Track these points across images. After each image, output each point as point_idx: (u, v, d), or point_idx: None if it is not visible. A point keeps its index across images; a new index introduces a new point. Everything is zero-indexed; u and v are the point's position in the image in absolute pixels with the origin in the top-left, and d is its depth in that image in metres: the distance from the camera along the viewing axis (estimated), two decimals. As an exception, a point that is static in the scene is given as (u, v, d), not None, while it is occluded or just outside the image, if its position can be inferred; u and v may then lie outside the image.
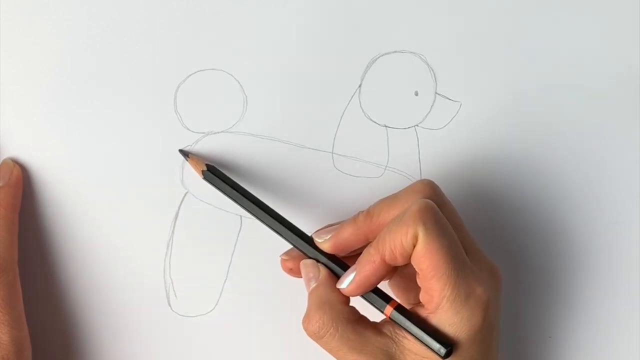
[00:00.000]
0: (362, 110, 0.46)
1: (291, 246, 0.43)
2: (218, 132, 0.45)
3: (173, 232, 0.46)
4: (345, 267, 0.42)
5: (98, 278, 0.46)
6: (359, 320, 0.41)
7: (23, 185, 0.44)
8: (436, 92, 0.46)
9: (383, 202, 0.42)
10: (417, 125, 0.46)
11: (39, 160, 0.45)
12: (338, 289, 0.41)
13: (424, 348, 0.39)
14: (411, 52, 0.46)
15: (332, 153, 0.46)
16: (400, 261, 0.40)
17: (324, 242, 0.42)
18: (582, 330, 0.48)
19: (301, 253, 0.43)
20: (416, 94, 0.46)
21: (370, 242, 0.41)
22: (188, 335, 0.46)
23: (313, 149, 0.46)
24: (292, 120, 0.46)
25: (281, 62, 0.45)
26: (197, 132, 0.45)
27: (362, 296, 0.41)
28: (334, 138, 0.46)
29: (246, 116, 0.45)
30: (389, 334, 0.40)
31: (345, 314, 0.41)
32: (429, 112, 0.46)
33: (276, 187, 0.46)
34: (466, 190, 0.46)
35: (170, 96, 0.45)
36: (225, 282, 0.46)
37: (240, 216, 0.46)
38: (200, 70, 0.45)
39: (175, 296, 0.46)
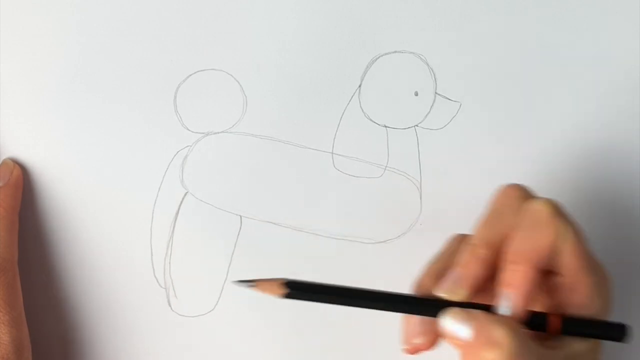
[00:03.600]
0: (362, 110, 0.46)
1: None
2: (218, 132, 0.45)
3: (173, 232, 0.46)
4: (478, 306, 0.38)
5: (98, 278, 0.46)
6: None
7: (23, 185, 0.44)
8: (436, 92, 0.46)
9: (488, 225, 0.39)
10: (417, 125, 0.46)
11: (39, 160, 0.45)
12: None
13: (595, 343, 0.39)
14: (411, 52, 0.46)
15: (332, 153, 0.46)
16: (549, 265, 0.38)
17: (459, 292, 0.38)
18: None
19: (421, 322, 0.39)
20: (416, 94, 0.46)
21: (500, 266, 0.38)
22: (188, 335, 0.46)
23: (313, 149, 0.46)
24: (292, 120, 0.46)
25: (281, 62, 0.45)
26: (197, 132, 0.45)
27: (527, 326, 0.38)
28: (334, 138, 0.46)
29: (246, 116, 0.45)
30: (559, 344, 0.38)
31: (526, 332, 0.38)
32: (429, 112, 0.46)
33: (276, 187, 0.46)
34: (466, 190, 0.46)
35: (170, 96, 0.45)
36: (225, 282, 0.46)
37: (240, 216, 0.46)
38: (200, 70, 0.45)
39: (175, 296, 0.46)
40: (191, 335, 0.47)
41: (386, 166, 0.46)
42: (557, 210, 0.38)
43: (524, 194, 0.40)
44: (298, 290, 0.38)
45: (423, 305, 0.38)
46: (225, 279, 0.46)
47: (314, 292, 0.38)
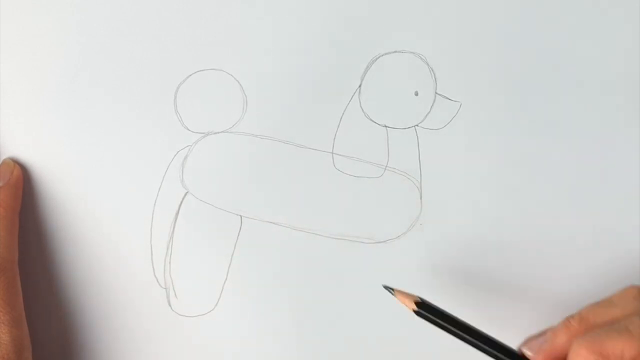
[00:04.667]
0: (362, 110, 0.46)
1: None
2: (218, 132, 0.45)
3: (173, 232, 0.46)
4: None
5: (98, 278, 0.46)
6: None
7: (23, 185, 0.44)
8: (436, 92, 0.46)
9: (596, 306, 0.41)
10: (417, 125, 0.46)
11: (39, 160, 0.45)
12: None
13: None
14: (411, 52, 0.45)
15: (332, 153, 0.46)
16: None
17: (538, 355, 0.41)
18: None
19: None
20: (416, 94, 0.46)
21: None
22: (188, 335, 0.46)
23: (313, 149, 0.46)
24: (292, 120, 0.46)
25: (281, 62, 0.45)
26: (197, 132, 0.45)
27: None
28: (334, 138, 0.46)
29: (246, 116, 0.45)
30: None
31: None
32: (429, 112, 0.46)
33: (276, 187, 0.46)
34: (466, 190, 0.46)
35: (170, 96, 0.45)
36: (225, 282, 0.46)
37: (240, 216, 0.46)
38: (200, 70, 0.45)
39: (175, 296, 0.46)
40: (191, 335, 0.47)
41: (386, 166, 0.46)
42: None
43: None
44: (425, 311, 0.42)
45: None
46: (225, 279, 0.46)
47: (439, 319, 0.42)
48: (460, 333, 0.42)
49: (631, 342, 0.38)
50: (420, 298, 0.42)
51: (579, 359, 0.38)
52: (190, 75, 0.45)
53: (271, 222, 0.46)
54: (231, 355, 0.47)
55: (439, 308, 0.42)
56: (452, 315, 0.42)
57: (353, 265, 0.46)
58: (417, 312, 0.42)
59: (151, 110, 0.45)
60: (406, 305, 0.42)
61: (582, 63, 0.46)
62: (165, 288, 0.46)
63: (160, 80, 0.45)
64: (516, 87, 0.46)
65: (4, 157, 0.44)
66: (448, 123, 0.46)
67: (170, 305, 0.46)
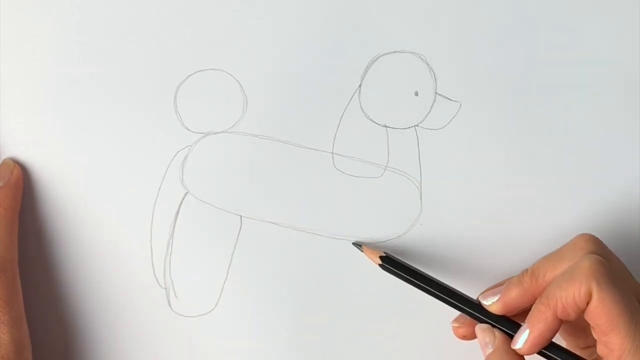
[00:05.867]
0: (362, 110, 0.46)
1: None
2: (218, 132, 0.45)
3: (173, 232, 0.46)
4: (513, 324, 0.43)
5: (98, 278, 0.46)
6: None
7: (23, 185, 0.44)
8: (436, 92, 0.46)
9: (546, 260, 0.42)
10: (417, 125, 0.46)
11: (39, 160, 0.45)
12: (514, 352, 0.42)
13: None
14: (411, 52, 0.45)
15: (332, 153, 0.46)
16: (572, 317, 0.40)
17: (492, 305, 0.43)
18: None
19: (470, 319, 0.44)
20: (416, 94, 0.46)
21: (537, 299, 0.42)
22: (188, 335, 0.46)
23: (313, 149, 0.46)
24: (292, 120, 0.46)
25: (281, 62, 0.45)
26: (197, 132, 0.45)
27: (542, 354, 0.42)
28: (334, 138, 0.46)
29: (246, 116, 0.45)
30: None
31: None
32: (429, 112, 0.46)
33: (276, 187, 0.46)
34: (466, 190, 0.46)
35: (170, 96, 0.45)
36: (225, 282, 0.46)
37: (240, 216, 0.46)
38: (200, 70, 0.45)
39: (175, 296, 0.46)
40: (191, 335, 0.47)
41: (386, 166, 0.46)
42: (594, 270, 0.39)
43: (588, 247, 0.42)
44: (390, 265, 0.44)
45: (474, 309, 0.44)
46: (225, 279, 0.46)
47: (401, 272, 0.44)
48: (423, 285, 0.44)
49: (577, 284, 0.39)
50: (385, 252, 0.45)
51: (538, 314, 0.41)
52: (190, 75, 0.45)
53: (271, 222, 0.46)
54: (231, 355, 0.47)
55: (402, 261, 0.45)
56: (414, 268, 0.45)
57: (353, 265, 0.46)
58: (381, 266, 0.44)
59: (151, 110, 0.45)
60: (372, 260, 0.45)
61: (582, 63, 0.46)
62: (165, 288, 0.46)
63: (160, 80, 0.45)
64: (516, 87, 0.46)
65: (4, 157, 0.44)
66: (448, 123, 0.46)
67: (170, 305, 0.46)
